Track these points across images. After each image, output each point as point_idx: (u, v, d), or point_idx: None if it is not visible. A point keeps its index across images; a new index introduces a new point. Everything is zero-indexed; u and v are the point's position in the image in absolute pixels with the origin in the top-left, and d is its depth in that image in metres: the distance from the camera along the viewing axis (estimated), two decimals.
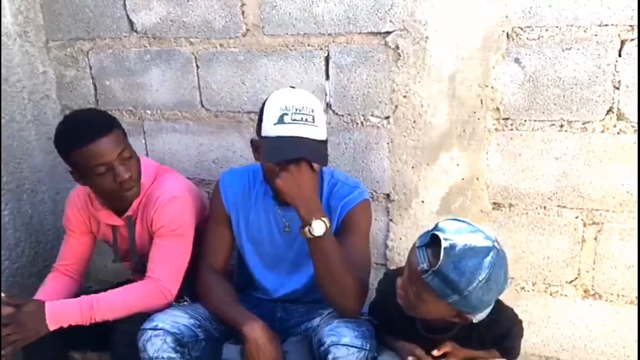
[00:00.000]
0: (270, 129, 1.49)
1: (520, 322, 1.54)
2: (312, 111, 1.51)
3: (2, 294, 1.62)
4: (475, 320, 1.35)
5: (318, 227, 1.47)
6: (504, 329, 1.47)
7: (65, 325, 1.62)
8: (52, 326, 1.60)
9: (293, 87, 1.62)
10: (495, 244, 1.28)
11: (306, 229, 1.47)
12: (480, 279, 1.23)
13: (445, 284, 1.25)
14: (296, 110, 1.49)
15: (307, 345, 1.65)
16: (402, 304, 1.40)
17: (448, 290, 1.26)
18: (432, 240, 1.29)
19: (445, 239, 1.25)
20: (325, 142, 1.56)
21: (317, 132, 1.51)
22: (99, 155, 1.62)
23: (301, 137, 1.48)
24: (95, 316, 1.64)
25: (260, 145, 1.55)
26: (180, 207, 1.78)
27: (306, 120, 1.49)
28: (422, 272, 1.27)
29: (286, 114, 1.48)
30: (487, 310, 1.33)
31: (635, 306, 1.81)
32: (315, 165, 1.54)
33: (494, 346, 1.51)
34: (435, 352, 1.45)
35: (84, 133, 1.63)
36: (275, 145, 1.48)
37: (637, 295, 1.79)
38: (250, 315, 1.60)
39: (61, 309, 1.63)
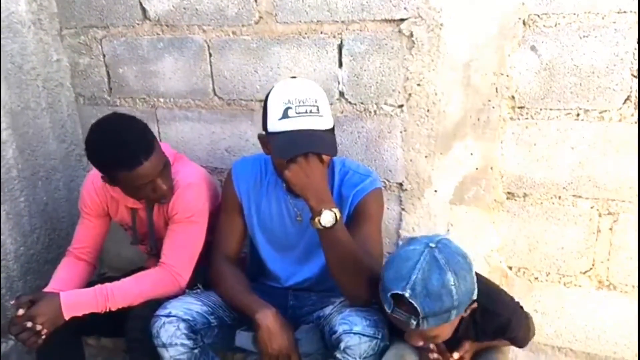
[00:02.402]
0: (275, 125, 1.49)
1: (521, 309, 1.55)
2: (316, 101, 1.51)
3: (12, 302, 1.66)
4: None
5: (328, 218, 1.47)
6: (502, 320, 1.47)
7: (80, 315, 1.64)
8: (67, 316, 1.62)
9: (294, 77, 1.62)
10: (429, 245, 1.30)
11: (316, 219, 1.48)
12: (452, 282, 1.26)
13: (438, 316, 1.27)
14: (299, 102, 1.49)
15: (318, 334, 1.66)
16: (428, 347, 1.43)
17: (445, 315, 1.28)
18: (395, 300, 1.29)
19: (403, 288, 1.26)
20: (331, 130, 1.56)
21: (322, 122, 1.51)
22: (145, 176, 1.66)
23: (307, 130, 1.48)
24: (111, 306, 1.67)
25: (268, 140, 1.55)
26: (196, 194, 1.79)
27: (310, 111, 1.49)
28: (416, 327, 1.28)
29: (290, 108, 1.48)
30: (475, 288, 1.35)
31: None
32: (325, 156, 1.54)
33: (496, 338, 1.53)
34: (455, 356, 1.48)
35: (130, 157, 1.62)
36: (283, 140, 1.48)
37: None
38: (263, 303, 1.61)
39: (77, 299, 1.65)
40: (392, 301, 1.29)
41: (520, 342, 1.58)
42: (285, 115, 1.48)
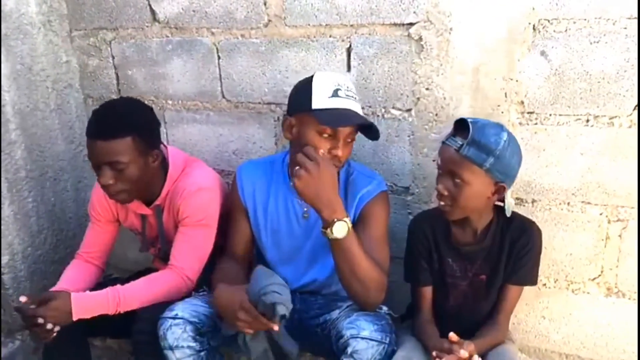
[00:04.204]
0: (324, 102, 1.55)
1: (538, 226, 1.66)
2: (355, 93, 1.62)
3: (22, 297, 1.64)
4: (508, 191, 1.54)
5: (340, 229, 1.46)
6: (529, 238, 1.62)
7: (89, 317, 1.65)
8: (76, 317, 1.63)
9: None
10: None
11: (328, 230, 1.47)
12: (505, 139, 1.46)
13: (479, 149, 1.45)
14: (347, 88, 1.60)
15: (324, 338, 1.65)
16: (445, 205, 1.55)
17: (483, 155, 1.45)
18: (455, 130, 1.51)
19: (469, 118, 1.48)
20: None
21: (362, 111, 1.63)
22: (90, 153, 1.69)
23: (356, 112, 1.58)
24: (121, 308, 1.67)
25: (308, 119, 1.56)
26: (207, 198, 1.80)
27: (355, 98, 1.60)
28: (458, 148, 1.46)
29: (340, 89, 1.57)
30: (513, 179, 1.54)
31: None
32: (337, 165, 1.57)
33: (518, 259, 1.62)
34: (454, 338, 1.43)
35: (93, 126, 1.69)
36: (332, 114, 1.54)
37: None
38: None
39: (88, 301, 1.66)
40: (453, 129, 1.52)
41: (534, 275, 1.66)
42: (335, 95, 1.57)
